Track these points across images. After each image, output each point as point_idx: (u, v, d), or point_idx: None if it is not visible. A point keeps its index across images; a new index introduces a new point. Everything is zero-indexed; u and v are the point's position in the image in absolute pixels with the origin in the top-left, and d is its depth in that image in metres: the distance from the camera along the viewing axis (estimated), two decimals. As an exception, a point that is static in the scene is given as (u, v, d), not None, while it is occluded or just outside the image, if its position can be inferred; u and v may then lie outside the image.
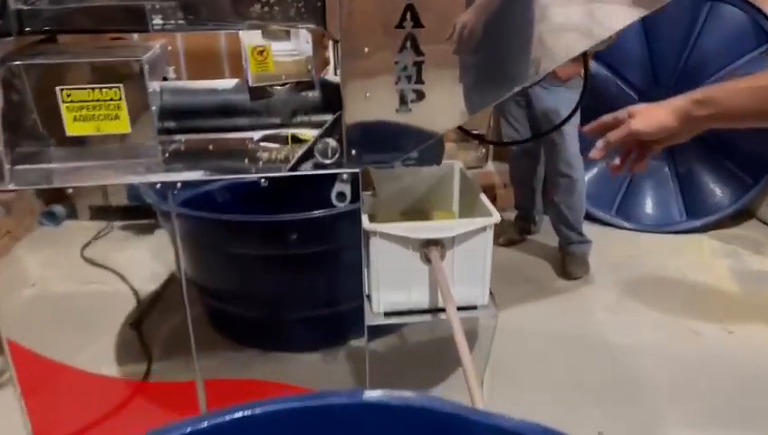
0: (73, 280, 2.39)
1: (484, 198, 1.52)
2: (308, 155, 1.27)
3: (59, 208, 1.71)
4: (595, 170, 3.28)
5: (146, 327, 2.04)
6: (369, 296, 1.46)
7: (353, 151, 1.26)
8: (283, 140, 1.45)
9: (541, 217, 2.87)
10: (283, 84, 1.38)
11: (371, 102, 1.23)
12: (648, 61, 3.12)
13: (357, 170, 1.28)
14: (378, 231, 1.37)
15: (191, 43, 2.52)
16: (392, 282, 1.43)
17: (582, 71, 1.69)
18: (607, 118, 1.09)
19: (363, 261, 1.39)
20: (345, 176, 1.28)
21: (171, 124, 1.38)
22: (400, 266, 1.41)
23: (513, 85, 1.29)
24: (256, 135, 1.47)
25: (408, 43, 1.19)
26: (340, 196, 1.29)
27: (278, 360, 1.94)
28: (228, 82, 1.41)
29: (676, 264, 2.63)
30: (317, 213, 1.39)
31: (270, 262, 1.80)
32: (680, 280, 2.53)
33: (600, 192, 3.10)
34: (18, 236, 2.67)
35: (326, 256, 1.78)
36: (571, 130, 2.41)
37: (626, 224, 3.08)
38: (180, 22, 1.24)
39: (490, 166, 3.23)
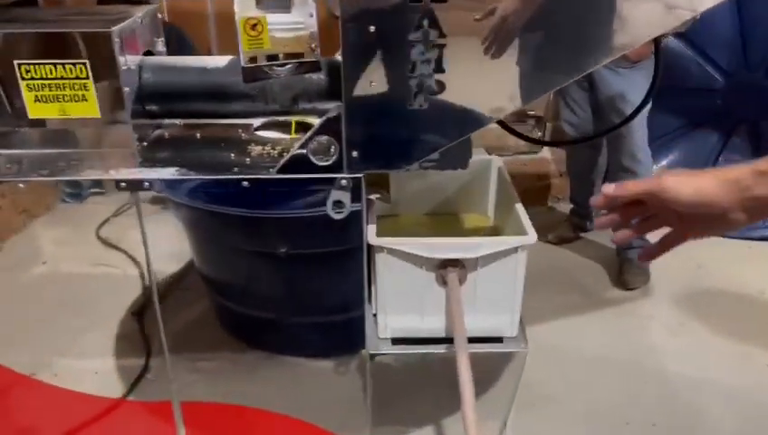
0: (84, 260, 2.30)
1: (520, 209, 1.26)
2: (300, 155, 1.05)
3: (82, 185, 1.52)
4: (664, 162, 2.94)
5: (149, 317, 1.91)
6: (375, 316, 1.24)
7: (354, 153, 1.03)
8: (286, 128, 1.24)
9: (599, 214, 2.57)
10: (282, 64, 1.16)
11: (377, 94, 0.99)
12: (740, 41, 2.71)
13: (358, 175, 1.05)
14: (385, 247, 1.15)
15: (224, 6, 2.29)
16: (402, 304, 1.21)
17: (653, 50, 1.39)
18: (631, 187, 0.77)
19: (365, 276, 1.16)
20: (344, 181, 1.05)
21: (153, 107, 1.18)
22: (412, 288, 1.18)
23: (574, 72, 1.03)
24: (256, 122, 1.27)
25: (426, 22, 0.94)
26: (338, 205, 1.06)
27: (284, 364, 1.77)
28: (221, 60, 1.19)
29: (756, 278, 2.28)
30: (319, 211, 1.18)
31: (277, 259, 1.61)
32: (759, 299, 2.19)
33: (671, 188, 2.75)
34: (36, 214, 2.60)
35: (335, 257, 1.58)
36: (639, 120, 2.09)
37: (697, 226, 2.72)
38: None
39: (546, 152, 2.92)
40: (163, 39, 1.28)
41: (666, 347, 1.92)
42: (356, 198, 1.07)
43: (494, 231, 1.47)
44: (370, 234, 1.15)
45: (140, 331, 1.89)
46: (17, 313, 2.01)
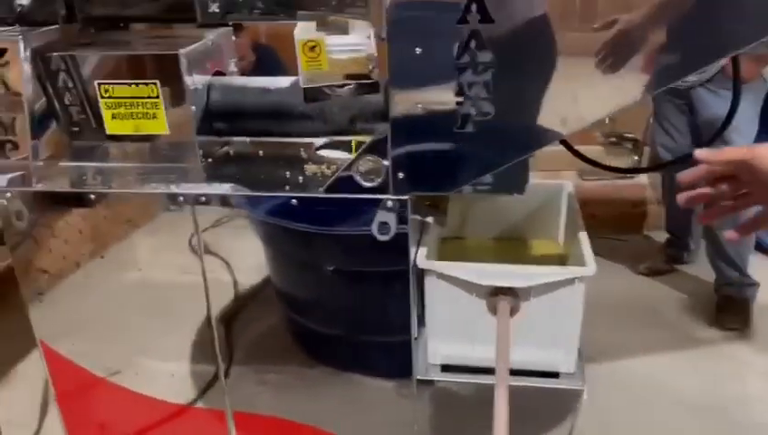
0: (177, 268, 2.42)
1: (583, 238, 1.19)
2: (347, 176, 1.06)
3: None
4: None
5: (234, 326, 1.99)
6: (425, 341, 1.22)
7: (400, 175, 1.02)
8: (347, 148, 1.25)
9: (698, 246, 2.38)
10: (342, 86, 1.18)
11: (423, 116, 0.98)
12: None
13: (405, 197, 1.04)
14: (435, 271, 1.12)
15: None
16: (453, 331, 1.18)
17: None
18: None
19: (412, 300, 1.14)
20: (390, 203, 1.05)
21: (220, 125, 1.24)
22: (462, 314, 1.15)
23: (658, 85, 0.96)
24: (318, 141, 1.29)
25: (473, 43, 0.92)
26: (383, 226, 1.06)
27: (349, 382, 1.77)
28: (285, 80, 1.23)
29: None
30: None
31: (345, 276, 1.62)
32: None
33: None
34: (139, 224, 2.77)
35: (398, 277, 1.57)
36: (742, 143, 1.92)
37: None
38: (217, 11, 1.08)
39: (643, 177, 2.76)
40: (236, 59, 1.34)
41: (762, 396, 1.74)
42: (403, 220, 1.06)
43: (563, 259, 1.40)
44: (420, 256, 1.13)
45: (225, 337, 1.96)
46: (108, 318, 2.15)
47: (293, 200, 1.08)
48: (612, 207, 2.68)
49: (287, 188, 1.10)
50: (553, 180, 1.46)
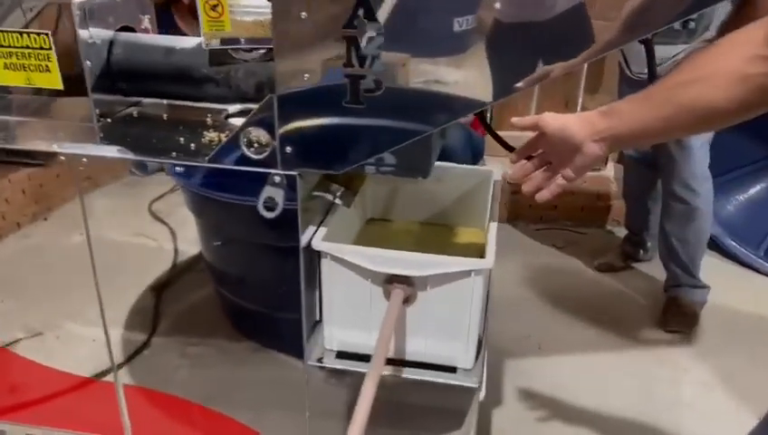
0: (128, 231, 2.36)
1: (493, 228, 1.14)
2: (232, 146, 0.99)
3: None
4: (752, 192, 2.63)
5: (166, 295, 1.94)
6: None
7: (288, 149, 0.96)
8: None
9: (655, 244, 2.32)
10: (249, 50, 1.11)
11: (311, 88, 0.92)
12: None
13: (293, 173, 0.98)
14: (330, 253, 1.07)
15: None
16: (349, 317, 1.13)
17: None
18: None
19: (302, 280, 1.09)
20: (277, 178, 0.99)
21: (123, 85, 1.17)
22: (358, 300, 1.10)
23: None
24: (231, 108, 1.23)
25: (362, 11, 0.85)
26: (270, 202, 1.00)
27: (270, 361, 1.73)
28: (192, 41, 1.16)
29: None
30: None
31: (255, 250, 1.57)
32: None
33: (748, 223, 2.45)
34: (99, 184, 2.71)
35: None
36: (697, 143, 1.86)
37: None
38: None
39: (609, 169, 2.69)
40: (151, 17, 1.27)
41: (694, 407, 1.69)
42: (291, 196, 1.00)
43: (483, 249, 1.35)
44: (317, 237, 1.08)
45: (154, 307, 1.92)
46: (46, 278, 2.11)
47: (178, 168, 1.02)
48: (575, 199, 2.62)
49: (174, 154, 1.04)
50: (482, 167, 1.40)
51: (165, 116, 1.19)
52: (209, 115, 1.19)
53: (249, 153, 0.98)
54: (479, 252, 1.35)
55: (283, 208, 1.02)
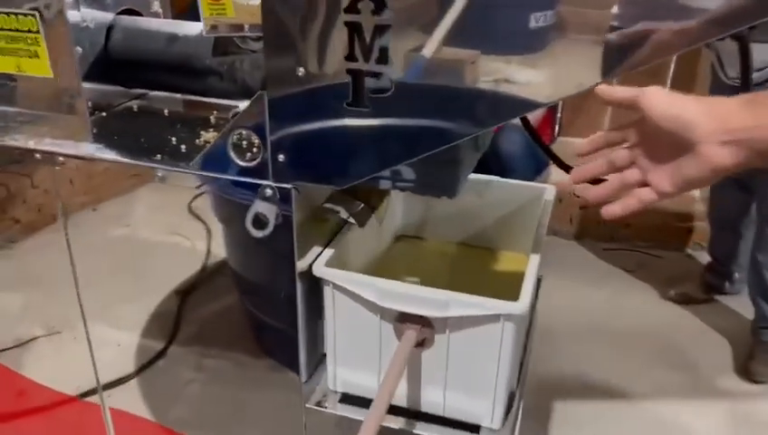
0: (165, 229, 2.29)
1: (533, 264, 0.93)
2: (219, 151, 0.84)
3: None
4: None
5: (191, 300, 1.83)
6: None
7: (281, 157, 0.80)
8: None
9: (743, 276, 2.02)
10: (258, 39, 0.96)
11: (308, 86, 0.75)
12: None
13: (287, 186, 0.82)
14: (331, 281, 0.90)
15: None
16: (356, 356, 0.96)
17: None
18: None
19: (300, 312, 0.93)
20: (269, 192, 0.83)
21: (121, 74, 1.05)
22: (366, 338, 0.93)
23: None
24: (241, 105, 1.08)
25: (367, -7, 0.68)
26: (258, 220, 0.84)
27: (289, 384, 1.58)
28: (196, 27, 1.02)
29: None
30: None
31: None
32: None
33: None
34: (146, 180, 2.67)
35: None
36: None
37: None
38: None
39: (695, 190, 2.38)
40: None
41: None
42: (286, 214, 0.84)
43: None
44: (319, 261, 0.91)
45: (177, 312, 1.82)
46: (79, 271, 2.05)
47: (159, 173, 0.88)
48: (652, 217, 2.33)
49: (158, 157, 0.90)
50: (536, 183, 1.20)
51: (166, 111, 1.06)
52: (215, 112, 1.05)
53: (237, 160, 0.83)
54: (519, 283, 1.15)
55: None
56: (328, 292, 0.92)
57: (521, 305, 0.83)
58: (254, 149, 0.81)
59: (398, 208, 1.25)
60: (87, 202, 2.57)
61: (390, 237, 1.27)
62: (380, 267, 1.17)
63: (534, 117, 1.95)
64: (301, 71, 0.74)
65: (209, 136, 0.97)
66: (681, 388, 1.70)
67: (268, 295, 1.59)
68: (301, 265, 0.89)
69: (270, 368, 1.59)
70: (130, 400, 1.45)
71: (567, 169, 0.91)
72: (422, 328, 0.88)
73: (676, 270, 2.23)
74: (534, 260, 0.94)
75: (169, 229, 2.27)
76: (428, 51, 0.69)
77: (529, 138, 1.92)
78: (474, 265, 1.21)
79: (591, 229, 2.44)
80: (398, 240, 1.29)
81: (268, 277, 1.57)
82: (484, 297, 0.85)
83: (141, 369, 1.56)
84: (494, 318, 0.84)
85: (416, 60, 0.70)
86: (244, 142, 0.81)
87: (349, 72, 0.72)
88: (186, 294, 1.85)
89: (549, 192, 1.17)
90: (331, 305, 0.92)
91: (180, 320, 1.72)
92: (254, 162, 0.82)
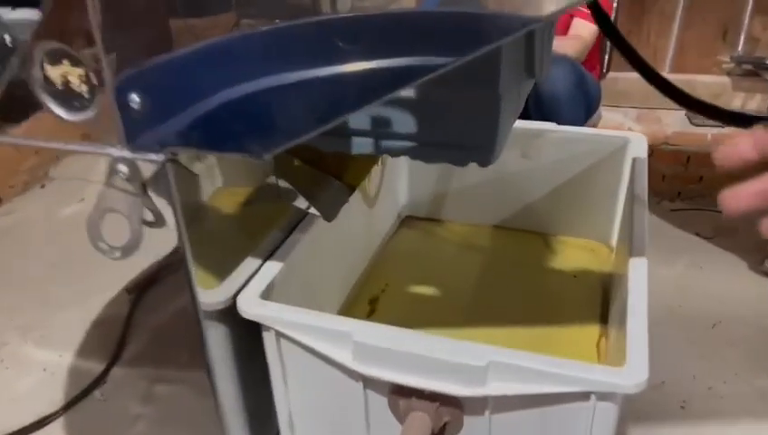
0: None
1: (638, 271, 0.51)
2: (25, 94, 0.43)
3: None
4: None
5: (145, 300, 1.44)
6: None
7: (136, 100, 0.39)
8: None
9: None
10: None
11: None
12: None
13: (156, 157, 0.41)
14: (273, 327, 0.50)
15: None
16: (324, 430, 0.56)
17: None
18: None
19: (214, 376, 0.54)
20: (122, 168, 0.42)
21: None
22: (340, 416, 0.53)
23: None
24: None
25: None
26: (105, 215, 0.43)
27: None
28: None
29: None
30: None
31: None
32: None
33: None
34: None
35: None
36: None
37: None
38: None
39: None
40: None
41: None
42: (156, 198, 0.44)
43: (606, 286, 0.73)
44: (250, 289, 0.51)
45: (126, 318, 1.41)
46: (26, 260, 1.69)
47: None
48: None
49: None
50: (611, 131, 0.77)
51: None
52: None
53: (52, 105, 0.42)
54: (593, 293, 0.73)
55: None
56: (270, 342, 0.51)
57: (633, 375, 0.41)
58: (80, 87, 0.40)
59: (402, 179, 0.83)
60: (30, 181, 2.18)
61: (391, 222, 0.86)
62: (373, 274, 0.77)
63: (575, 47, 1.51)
64: None
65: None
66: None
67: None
68: (210, 298, 0.49)
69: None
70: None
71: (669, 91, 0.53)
72: (440, 407, 0.47)
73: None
74: (642, 266, 0.52)
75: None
76: None
77: (576, 72, 1.48)
78: (517, 261, 0.80)
79: (654, 183, 1.97)
80: (403, 224, 0.87)
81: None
82: (555, 358, 0.43)
83: (71, 403, 1.17)
84: (581, 396, 0.43)
85: None
86: (57, 72, 0.40)
87: None
88: (140, 290, 1.45)
89: (637, 144, 0.73)
90: (278, 364, 0.52)
91: (129, 329, 1.33)
92: (84, 113, 0.41)
